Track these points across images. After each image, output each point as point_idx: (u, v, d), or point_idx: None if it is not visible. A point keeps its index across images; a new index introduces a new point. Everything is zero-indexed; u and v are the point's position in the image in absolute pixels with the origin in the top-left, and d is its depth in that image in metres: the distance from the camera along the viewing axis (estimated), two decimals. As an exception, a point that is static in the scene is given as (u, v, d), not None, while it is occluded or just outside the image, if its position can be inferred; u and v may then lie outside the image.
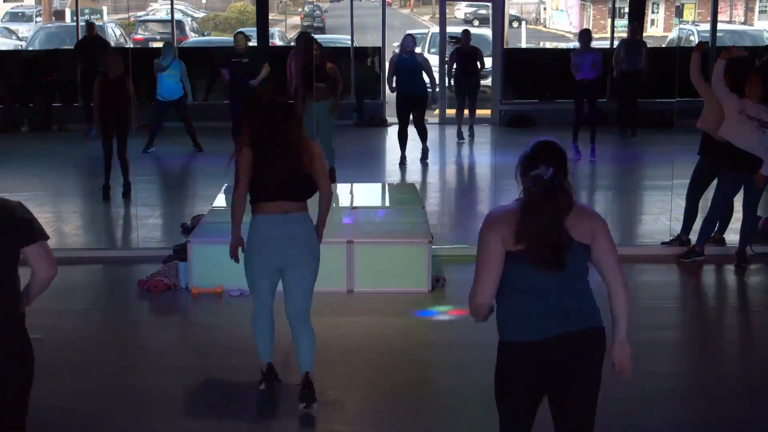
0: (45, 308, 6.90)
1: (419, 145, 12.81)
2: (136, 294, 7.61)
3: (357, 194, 9.93)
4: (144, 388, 5.83)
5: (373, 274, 7.55)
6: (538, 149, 3.76)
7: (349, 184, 10.48)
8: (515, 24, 31.74)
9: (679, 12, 34.98)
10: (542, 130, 15.08)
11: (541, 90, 16.73)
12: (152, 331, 7.15)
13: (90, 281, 8.28)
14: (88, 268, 8.45)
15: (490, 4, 17.16)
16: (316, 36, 13.87)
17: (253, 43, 15.00)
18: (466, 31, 14.87)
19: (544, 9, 40.90)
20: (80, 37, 16.08)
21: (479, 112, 15.27)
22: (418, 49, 14.61)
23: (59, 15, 29.01)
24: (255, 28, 16.33)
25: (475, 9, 34.36)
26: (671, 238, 8.85)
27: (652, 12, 33.93)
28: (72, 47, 16.40)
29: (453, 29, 17.87)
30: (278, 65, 14.16)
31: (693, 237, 8.54)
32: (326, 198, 5.38)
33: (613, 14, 18.78)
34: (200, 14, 34.04)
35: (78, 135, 14.74)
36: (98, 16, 26.47)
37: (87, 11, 24.42)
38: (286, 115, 5.22)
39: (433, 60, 16.62)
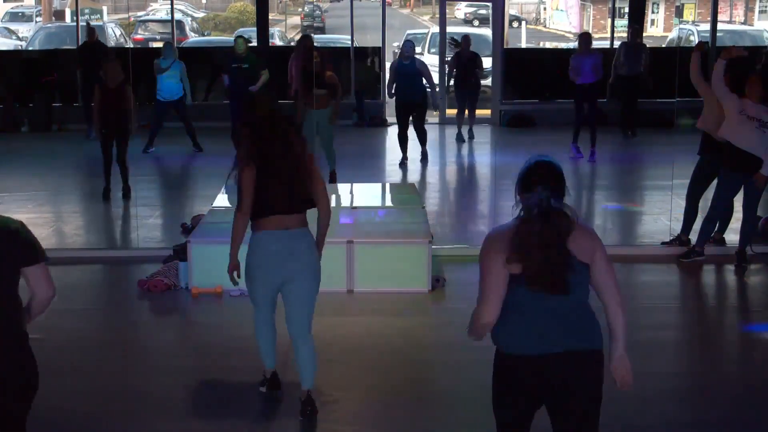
0: (45, 308, 6.91)
1: (419, 147, 12.81)
2: (136, 294, 7.61)
3: (357, 194, 9.92)
4: (144, 388, 5.83)
5: (373, 274, 7.55)
6: (534, 169, 3.75)
7: (349, 184, 10.49)
8: (515, 24, 31.73)
9: (679, 12, 34.98)
10: (542, 130, 15.18)
11: (541, 90, 16.73)
12: (152, 331, 7.15)
13: (90, 281, 8.28)
14: (88, 268, 8.45)
15: (490, 4, 17.15)
16: (316, 36, 13.91)
17: (253, 43, 15.00)
18: (466, 37, 14.85)
19: (544, 9, 40.89)
20: (80, 40, 16.09)
21: (479, 112, 15.27)
22: (417, 49, 14.62)
23: (59, 15, 29.01)
24: (255, 28, 16.34)
25: (475, 9, 34.36)
26: (671, 238, 8.85)
27: (652, 12, 33.93)
28: (72, 47, 16.42)
29: (453, 29, 17.89)
30: (278, 65, 14.20)
31: (693, 237, 8.54)
32: (325, 217, 5.34)
33: (613, 14, 18.78)
34: (200, 14, 34.03)
35: (78, 135, 14.74)
36: (98, 16, 26.48)
37: (87, 11, 24.42)
38: (288, 131, 5.20)
39: (433, 60, 16.68)
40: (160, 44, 17.58)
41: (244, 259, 5.29)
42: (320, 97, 10.85)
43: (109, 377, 6.00)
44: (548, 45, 31.12)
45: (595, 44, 15.61)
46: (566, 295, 3.65)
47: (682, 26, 27.18)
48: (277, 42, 22.39)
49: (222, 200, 9.00)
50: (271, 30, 19.28)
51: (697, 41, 15.49)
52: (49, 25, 25.25)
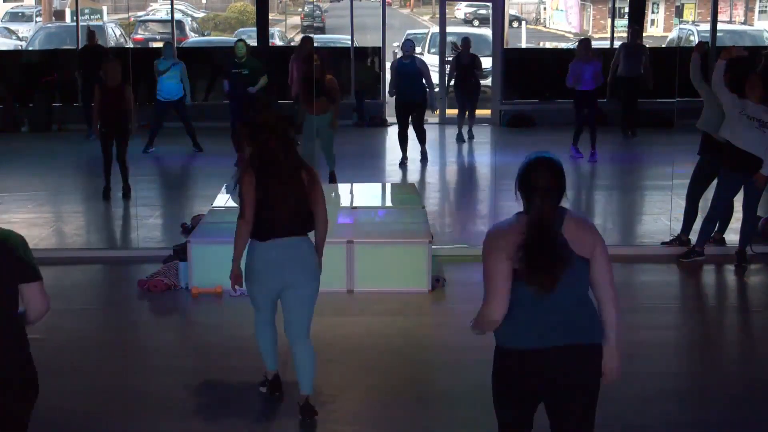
0: (45, 308, 6.91)
1: (419, 146, 12.81)
2: (136, 294, 7.61)
3: (357, 194, 9.92)
4: (144, 388, 5.83)
5: (373, 274, 7.55)
6: (534, 166, 3.75)
7: (349, 184, 10.48)
8: (515, 24, 31.73)
9: (679, 12, 34.98)
10: (542, 131, 15.17)
11: (541, 90, 16.72)
12: (152, 331, 7.15)
13: (90, 281, 8.28)
14: (88, 268, 8.45)
15: (490, 4, 17.15)
16: (316, 36, 13.90)
17: (253, 43, 15.00)
18: (466, 40, 14.84)
19: (544, 9, 40.90)
20: (80, 40, 16.08)
21: (479, 112, 15.28)
22: (417, 49, 14.61)
23: (59, 15, 29.01)
24: (255, 28, 16.34)
25: (475, 9, 34.37)
26: (671, 238, 8.85)
27: (652, 12, 33.93)
28: (72, 47, 16.41)
29: (453, 29, 17.88)
30: (278, 65, 14.21)
31: (693, 237, 8.54)
32: (323, 225, 5.33)
33: (613, 14, 18.77)
34: (200, 14, 34.05)
35: (78, 135, 14.74)
36: (98, 16, 26.49)
37: (87, 11, 24.43)
38: (287, 132, 5.20)
39: (433, 60, 16.67)
40: (160, 44, 17.59)
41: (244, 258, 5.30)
42: (320, 103, 10.85)
43: (109, 377, 6.00)
44: (548, 45, 31.11)
45: (595, 44, 15.60)
46: (565, 287, 3.66)
47: (682, 26, 27.18)
48: (277, 42, 22.39)
49: (222, 200, 8.99)
50: (271, 30, 19.28)
51: (697, 41, 15.46)
52: (49, 25, 25.24)
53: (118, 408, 5.53)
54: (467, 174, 13.42)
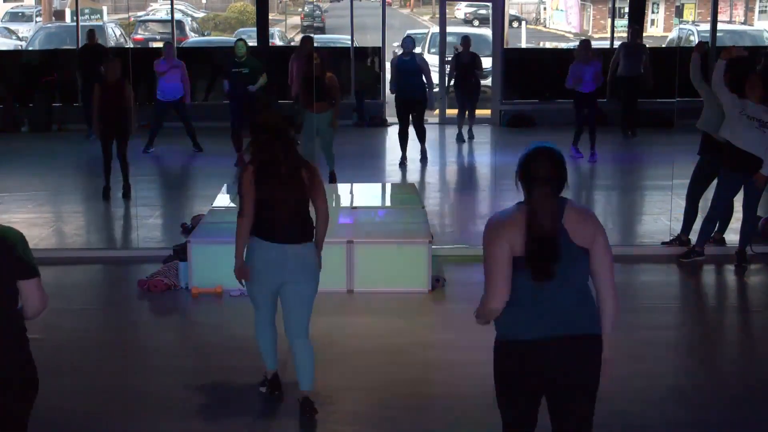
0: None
1: (419, 146, 12.81)
2: (136, 294, 7.61)
3: (357, 194, 9.92)
4: (144, 388, 5.83)
5: (373, 274, 7.55)
6: (534, 155, 3.76)
7: (349, 184, 10.48)
8: (515, 24, 31.74)
9: (679, 12, 34.98)
10: (542, 130, 15.16)
11: (541, 90, 16.72)
12: (152, 331, 7.15)
13: (90, 281, 8.28)
14: (88, 268, 8.45)
15: (490, 4, 17.15)
16: (316, 36, 13.89)
17: (253, 42, 14.99)
18: (466, 38, 14.84)
19: (544, 9, 40.90)
20: (80, 40, 16.07)
21: (479, 112, 15.27)
22: (417, 49, 14.61)
23: (59, 15, 29.02)
24: (255, 28, 16.33)
25: (475, 9, 34.37)
26: (671, 238, 8.85)
27: (652, 12, 33.93)
28: (72, 47, 16.41)
29: (453, 29, 17.88)
30: (278, 65, 14.20)
31: (693, 237, 8.54)
32: (323, 220, 5.35)
33: (613, 14, 18.77)
34: (200, 14, 34.05)
35: (78, 135, 14.74)
36: (98, 16, 26.50)
37: (87, 11, 24.45)
38: (288, 140, 5.22)
39: (433, 60, 16.67)
40: (160, 44, 17.59)
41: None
42: (320, 102, 10.84)
43: (109, 377, 6.00)
44: (548, 45, 31.11)
45: (595, 45, 15.60)
46: (563, 277, 3.66)
47: (682, 26, 27.18)
48: (277, 42, 22.39)
49: (222, 200, 9.00)
50: (271, 30, 19.28)
51: (697, 41, 15.46)
52: (49, 25, 25.25)
53: (118, 408, 5.53)
54: (467, 174, 13.41)
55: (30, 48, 20.34)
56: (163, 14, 28.99)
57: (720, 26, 18.82)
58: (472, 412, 5.39)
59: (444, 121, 16.07)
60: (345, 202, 9.40)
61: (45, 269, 3.91)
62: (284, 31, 29.52)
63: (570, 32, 34.67)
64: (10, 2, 32.44)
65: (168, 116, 13.63)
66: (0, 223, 3.83)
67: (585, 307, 3.78)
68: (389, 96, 14.74)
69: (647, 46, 15.75)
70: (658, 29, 34.16)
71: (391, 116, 15.16)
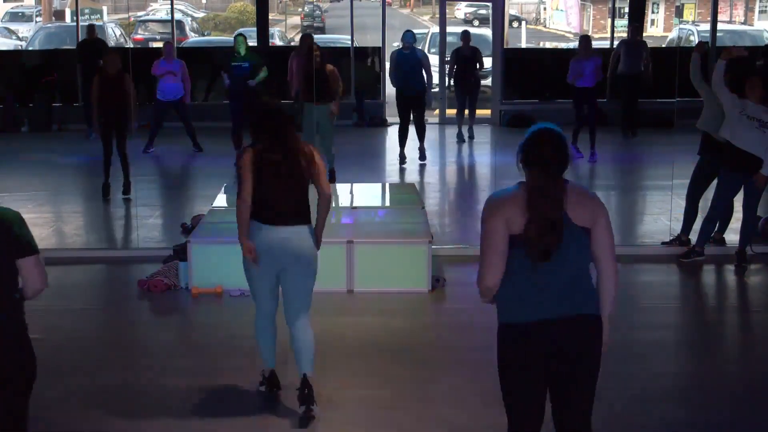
0: (45, 308, 6.92)
1: (418, 144, 12.77)
2: (136, 294, 7.61)
3: (357, 194, 9.92)
4: (144, 388, 5.83)
5: (373, 274, 7.55)
6: (536, 136, 3.77)
7: (349, 184, 10.48)
8: (515, 24, 31.74)
9: (679, 12, 34.99)
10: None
11: (541, 90, 16.73)
12: (152, 331, 7.15)
13: (90, 281, 8.28)
14: (88, 268, 8.45)
15: (490, 4, 17.15)
16: (316, 36, 13.87)
17: (253, 43, 14.99)
18: (465, 32, 14.87)
19: (544, 9, 40.90)
20: (80, 38, 16.08)
21: (479, 112, 15.26)
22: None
23: (59, 15, 29.02)
24: (255, 28, 16.34)
25: (475, 9, 34.38)
26: (671, 238, 8.85)
27: (652, 12, 33.94)
28: (72, 47, 16.40)
29: (453, 29, 17.89)
30: (278, 65, 14.19)
31: (693, 237, 8.54)
32: (325, 200, 5.38)
33: (613, 14, 18.77)
34: (200, 14, 34.07)
35: (78, 135, 14.74)
36: (98, 16, 26.50)
37: (87, 11, 24.45)
38: (286, 124, 5.24)
39: (433, 60, 16.66)
40: (160, 44, 17.59)
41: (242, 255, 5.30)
42: (320, 94, 10.82)
43: (108, 377, 5.99)
44: (548, 45, 31.13)
45: (595, 44, 15.61)
46: (562, 257, 3.67)
47: (682, 26, 27.19)
48: (277, 42, 22.39)
49: (222, 200, 9.00)
50: (271, 30, 19.28)
51: (697, 41, 15.48)
52: (49, 25, 25.26)
53: (118, 408, 5.53)
54: (467, 174, 13.42)
55: (30, 48, 20.36)
56: (163, 14, 29.00)
57: (720, 26, 18.83)
58: (472, 412, 5.39)
59: (444, 121, 16.07)
60: (345, 202, 9.40)
61: (45, 269, 3.90)
62: (284, 31, 29.53)
63: (570, 32, 34.65)
64: (10, 2, 32.45)
65: (168, 116, 13.63)
66: None
67: (583, 287, 3.77)
68: (389, 96, 14.74)
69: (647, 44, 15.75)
70: (658, 29, 34.17)
71: (391, 116, 15.17)
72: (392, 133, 14.06)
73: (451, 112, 15.51)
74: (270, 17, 17.55)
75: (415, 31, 14.16)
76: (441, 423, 5.34)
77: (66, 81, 16.06)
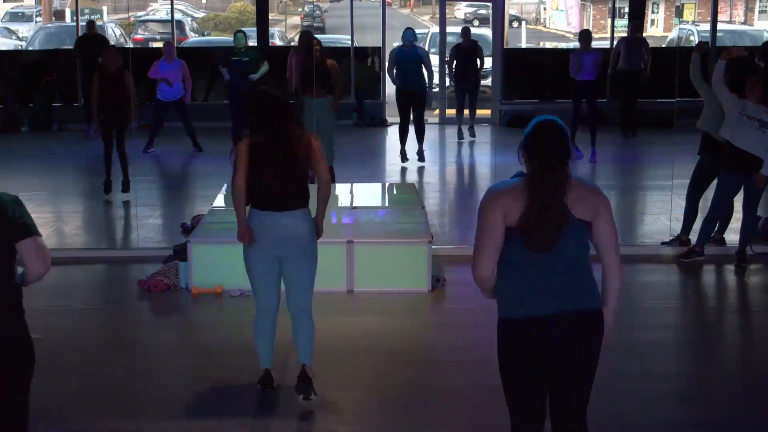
0: (45, 307, 6.92)
1: (416, 146, 12.74)
2: (136, 294, 7.61)
3: (357, 194, 9.92)
4: (144, 388, 5.83)
5: (373, 274, 7.54)
6: (539, 128, 3.78)
7: (349, 184, 10.48)
8: (515, 24, 31.74)
9: (679, 12, 34.99)
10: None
11: (541, 90, 16.73)
12: (152, 331, 7.14)
13: (90, 281, 8.28)
14: (88, 268, 8.45)
15: (490, 4, 17.15)
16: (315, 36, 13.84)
17: (253, 43, 14.99)
18: (465, 28, 14.87)
19: (544, 9, 40.89)
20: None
21: (479, 112, 15.26)
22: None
23: (59, 15, 29.03)
24: (255, 28, 16.34)
25: (475, 9, 34.37)
26: (671, 238, 8.85)
27: (652, 12, 33.93)
28: (72, 47, 16.39)
29: (453, 29, 17.89)
30: (278, 65, 14.18)
31: (693, 237, 8.54)
32: (325, 186, 5.39)
33: (613, 14, 18.77)
34: (200, 14, 34.06)
35: (78, 135, 14.75)
36: (98, 16, 26.48)
37: (87, 11, 24.44)
38: (285, 111, 5.25)
39: (433, 60, 16.65)
40: (160, 44, 17.59)
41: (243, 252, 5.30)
42: (320, 88, 10.81)
43: (108, 377, 5.99)
44: (548, 45, 31.12)
45: (595, 44, 15.61)
46: (561, 251, 3.67)
47: (682, 26, 27.19)
48: (277, 42, 22.39)
49: (222, 200, 8.99)
50: (271, 30, 19.28)
51: (697, 41, 15.49)
52: (49, 25, 25.26)
53: (118, 408, 5.53)
54: (467, 174, 13.41)
55: (30, 48, 20.36)
56: (163, 14, 28.99)
57: (720, 26, 18.83)
58: (472, 412, 5.39)
59: (444, 121, 16.06)
60: (345, 202, 9.40)
61: (47, 253, 3.89)
62: (284, 31, 29.52)
63: (570, 32, 34.64)
64: (10, 2, 32.45)
65: (168, 116, 13.63)
66: None
67: (584, 282, 3.77)
68: (389, 95, 14.73)
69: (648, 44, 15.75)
70: (658, 29, 34.17)
71: (391, 116, 15.17)
72: (392, 133, 14.05)
73: (451, 112, 15.50)
74: (270, 17, 17.55)
75: (415, 30, 14.15)
76: (441, 423, 5.34)
77: (66, 81, 16.06)
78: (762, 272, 8.35)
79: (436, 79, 14.34)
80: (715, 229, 8.62)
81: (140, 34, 25.06)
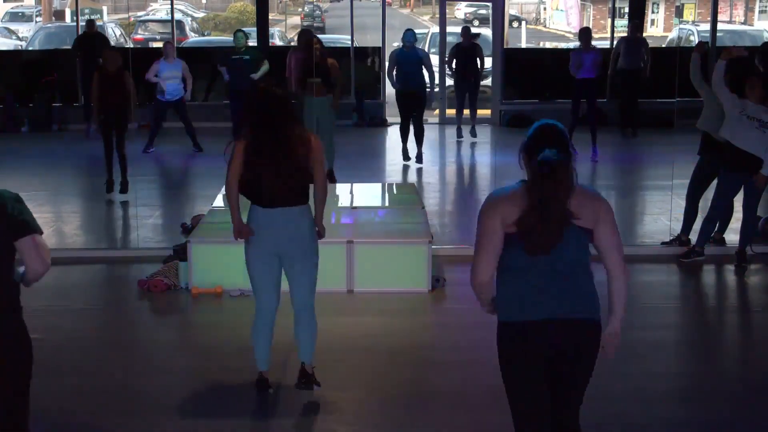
0: (45, 307, 6.92)
1: (416, 149, 12.72)
2: (136, 294, 7.61)
3: (357, 194, 9.92)
4: (144, 388, 5.83)
5: (373, 274, 7.54)
6: (539, 132, 3.78)
7: (349, 184, 10.48)
8: (515, 24, 31.74)
9: (679, 12, 34.99)
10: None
11: (541, 90, 16.73)
12: (152, 331, 7.15)
13: (90, 281, 8.28)
14: (88, 268, 8.45)
15: (490, 4, 17.16)
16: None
17: (253, 42, 14.99)
18: (465, 28, 14.87)
19: (544, 9, 40.90)
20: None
21: (479, 112, 15.26)
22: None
23: (59, 15, 29.02)
24: (255, 28, 16.34)
25: (475, 9, 34.36)
26: (671, 238, 8.85)
27: (652, 12, 33.93)
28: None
29: (453, 29, 17.90)
30: (278, 65, 14.19)
31: (693, 237, 8.54)
32: (321, 190, 5.40)
33: (613, 14, 18.77)
34: (200, 14, 34.07)
35: (78, 135, 14.75)
36: (98, 16, 26.48)
37: (87, 11, 24.44)
38: (285, 110, 5.24)
39: (433, 60, 16.66)
40: (160, 44, 17.59)
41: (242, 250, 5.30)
42: (319, 86, 10.80)
43: (108, 377, 5.99)
44: (548, 45, 31.12)
45: (595, 44, 15.60)
46: (561, 257, 3.67)
47: (682, 26, 27.19)
48: (277, 42, 22.39)
49: (222, 200, 8.99)
50: (271, 30, 19.29)
51: (697, 41, 15.48)
52: (49, 25, 25.26)
53: (118, 408, 5.53)
54: (467, 174, 13.41)
55: (30, 48, 20.37)
56: (163, 14, 28.99)
57: (720, 26, 18.83)
58: (472, 412, 5.39)
59: (444, 121, 16.06)
60: (345, 202, 9.40)
61: (47, 251, 3.89)
62: (284, 31, 29.52)
63: (570, 32, 34.64)
64: (10, 2, 32.44)
65: (168, 116, 13.63)
66: None
67: (582, 289, 3.76)
68: (389, 96, 14.72)
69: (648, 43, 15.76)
70: (658, 29, 34.17)
71: (391, 116, 15.17)
72: (392, 133, 14.05)
73: (451, 112, 15.50)
74: (270, 17, 17.55)
75: (415, 31, 14.15)
76: (441, 423, 5.34)
77: (66, 81, 16.05)
78: (762, 272, 8.35)
79: (436, 80, 14.33)
80: (715, 229, 8.62)
81: (140, 34, 25.07)
